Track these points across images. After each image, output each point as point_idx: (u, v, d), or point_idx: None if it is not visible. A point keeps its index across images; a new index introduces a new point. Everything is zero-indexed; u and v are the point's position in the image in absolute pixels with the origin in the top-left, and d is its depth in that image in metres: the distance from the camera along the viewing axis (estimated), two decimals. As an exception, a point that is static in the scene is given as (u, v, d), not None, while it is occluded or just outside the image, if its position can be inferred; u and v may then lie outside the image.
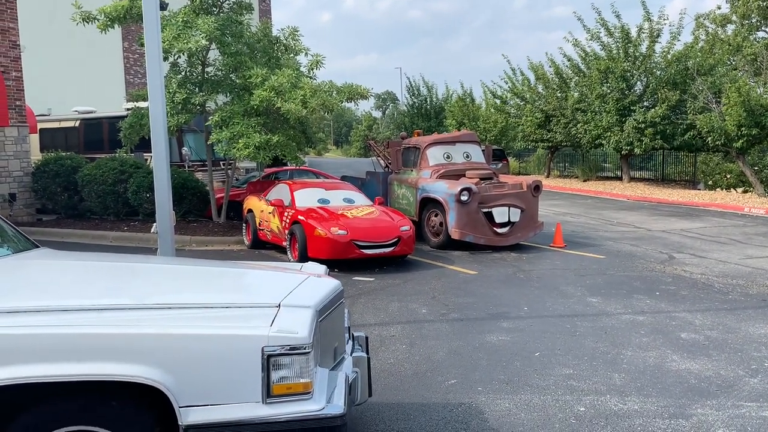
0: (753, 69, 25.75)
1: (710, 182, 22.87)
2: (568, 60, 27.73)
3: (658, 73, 23.87)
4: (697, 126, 20.72)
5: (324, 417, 2.84)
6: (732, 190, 21.42)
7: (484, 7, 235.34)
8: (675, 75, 23.07)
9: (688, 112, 21.73)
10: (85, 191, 13.82)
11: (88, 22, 12.03)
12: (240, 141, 11.12)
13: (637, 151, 23.91)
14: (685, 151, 25.26)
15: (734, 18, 32.24)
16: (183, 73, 12.48)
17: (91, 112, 17.52)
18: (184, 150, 15.33)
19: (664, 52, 24.00)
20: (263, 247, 11.40)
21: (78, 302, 3.03)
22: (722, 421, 4.38)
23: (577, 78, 27.38)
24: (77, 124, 17.38)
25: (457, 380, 5.17)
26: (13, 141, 14.01)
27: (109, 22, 11.96)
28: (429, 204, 11.75)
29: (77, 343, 2.72)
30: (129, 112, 13.41)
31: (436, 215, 11.56)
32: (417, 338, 6.31)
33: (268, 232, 11.02)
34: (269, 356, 2.78)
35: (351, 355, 3.75)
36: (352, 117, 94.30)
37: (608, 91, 24.41)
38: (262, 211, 11.28)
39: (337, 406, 2.94)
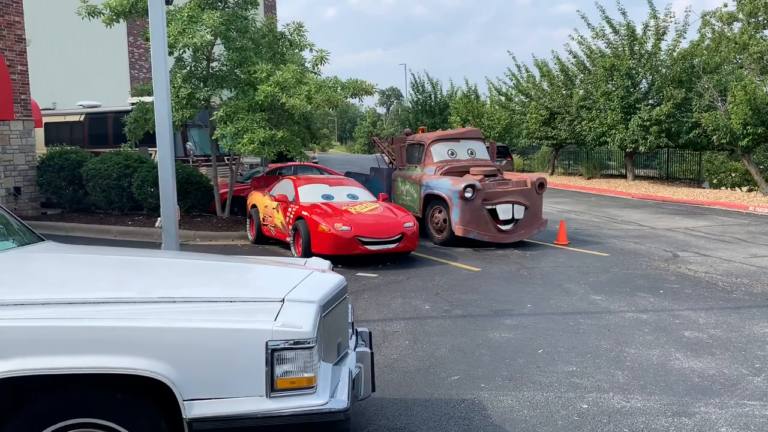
0: (759, 67, 25.59)
1: (715, 181, 22.81)
2: (574, 57, 27.68)
3: (664, 70, 23.80)
4: (703, 124, 20.65)
5: (327, 411, 2.84)
6: (737, 188, 21.36)
7: (489, 3, 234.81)
8: (680, 73, 23.00)
9: (694, 110, 21.66)
10: (90, 185, 13.85)
11: (93, 17, 12.05)
12: (244, 136, 11.13)
13: (641, 149, 23.85)
14: (690, 149, 25.19)
15: (741, 16, 32.02)
16: (188, 68, 12.50)
17: (96, 107, 17.54)
18: (189, 145, 15.35)
19: (669, 49, 23.92)
20: (267, 242, 11.41)
21: (83, 295, 3.05)
22: (725, 419, 4.38)
23: (582, 75, 27.32)
24: (82, 119, 17.40)
25: (460, 376, 5.18)
26: (18, 135, 14.05)
27: (114, 17, 11.98)
28: (433, 200, 11.75)
29: (82, 336, 2.73)
30: (134, 106, 13.43)
31: (439, 212, 11.55)
32: (420, 334, 6.32)
33: (272, 228, 11.03)
34: (273, 350, 2.78)
35: (354, 350, 3.75)
36: (356, 113, 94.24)
37: (613, 88, 24.34)
38: (266, 206, 11.29)
39: (341, 400, 2.94)
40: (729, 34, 29.80)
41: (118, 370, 2.70)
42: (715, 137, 20.25)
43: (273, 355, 2.78)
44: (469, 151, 12.62)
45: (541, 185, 11.81)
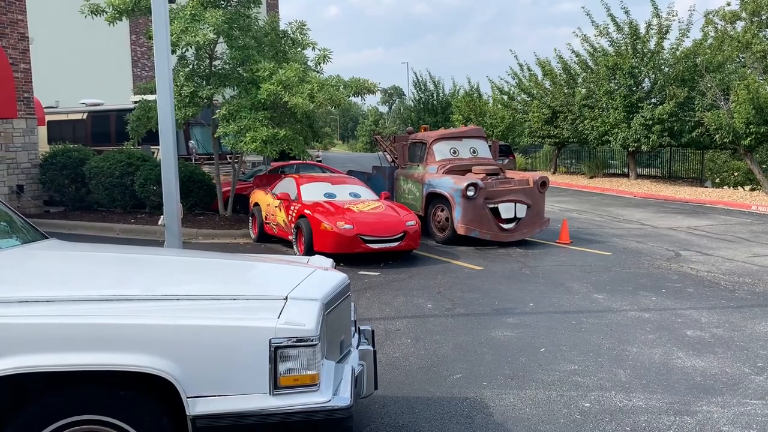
0: (762, 66, 25.56)
1: (718, 180, 22.79)
2: (576, 56, 27.67)
3: (667, 69, 23.77)
4: (705, 123, 20.63)
5: (330, 409, 2.85)
6: (739, 187, 21.33)
7: (490, 2, 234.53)
8: (683, 72, 22.97)
9: (696, 109, 21.63)
10: (93, 183, 13.88)
11: (96, 15, 12.06)
12: (247, 135, 11.14)
13: (644, 148, 23.83)
14: (693, 148, 25.17)
15: (744, 15, 31.98)
16: (190, 67, 12.51)
17: (99, 105, 17.57)
18: (191, 143, 15.37)
19: (672, 48, 23.89)
20: (269, 240, 11.43)
21: (87, 293, 3.06)
22: (727, 418, 4.38)
23: (584, 74, 27.30)
24: (85, 117, 17.43)
25: (462, 375, 5.18)
26: (21, 133, 14.07)
27: (117, 15, 11.98)
28: (435, 199, 11.75)
29: (85, 333, 2.74)
30: (136, 104, 13.45)
31: (442, 210, 11.56)
32: (422, 333, 6.33)
33: (275, 226, 11.05)
34: (276, 348, 2.79)
35: (357, 348, 3.76)
36: (358, 112, 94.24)
37: (616, 87, 24.32)
38: (268, 204, 11.30)
39: (344, 398, 2.95)
40: (732, 33, 29.73)
41: (121, 368, 2.71)
42: (717, 136, 20.22)
43: (276, 353, 2.79)
44: (472, 150, 12.62)
45: (544, 184, 11.81)
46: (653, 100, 23.92)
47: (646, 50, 24.01)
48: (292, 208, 10.44)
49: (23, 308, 2.80)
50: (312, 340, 2.84)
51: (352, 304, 4.06)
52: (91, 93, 18.59)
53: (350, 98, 12.45)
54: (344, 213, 9.84)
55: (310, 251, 9.36)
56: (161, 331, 2.78)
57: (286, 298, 3.09)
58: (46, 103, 17.27)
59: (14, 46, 13.84)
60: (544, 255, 10.57)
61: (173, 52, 11.37)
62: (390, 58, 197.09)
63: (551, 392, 4.83)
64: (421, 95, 41.17)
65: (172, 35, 10.70)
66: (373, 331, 4.20)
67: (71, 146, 14.94)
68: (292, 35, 12.83)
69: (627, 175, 26.92)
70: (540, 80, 30.18)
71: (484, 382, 5.01)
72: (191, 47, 11.74)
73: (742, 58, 28.38)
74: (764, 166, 20.79)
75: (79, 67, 21.39)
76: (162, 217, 6.99)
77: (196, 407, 2.73)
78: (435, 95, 40.56)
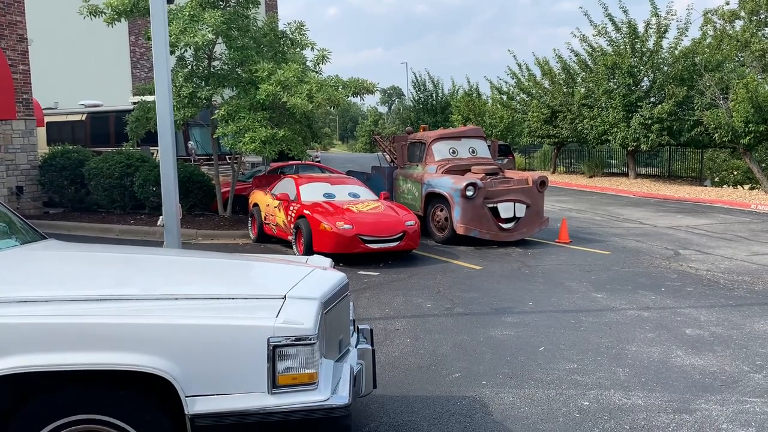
0: (761, 65, 25.56)
1: (717, 179, 22.80)
2: (575, 55, 27.69)
3: (666, 68, 23.79)
4: (704, 122, 20.64)
5: (329, 407, 2.85)
6: (739, 186, 21.34)
7: (490, 2, 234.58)
8: (682, 71, 22.99)
9: (695, 108, 21.65)
10: (92, 184, 13.88)
11: (95, 16, 12.06)
12: (246, 135, 11.15)
13: (643, 147, 23.84)
14: (692, 147, 25.18)
15: (742, 14, 31.99)
16: (189, 67, 12.51)
17: (98, 106, 17.57)
18: (191, 144, 15.38)
19: (671, 47, 23.91)
20: (269, 241, 11.43)
21: (86, 292, 3.06)
22: (726, 416, 4.38)
23: (583, 73, 27.31)
24: (84, 118, 17.43)
25: (461, 374, 5.19)
26: (20, 134, 14.07)
27: (115, 16, 11.98)
28: (434, 199, 11.76)
29: (84, 333, 2.74)
30: (135, 105, 13.45)
31: (441, 210, 11.56)
32: (421, 332, 6.33)
33: (274, 226, 11.05)
34: (275, 347, 2.80)
35: (356, 347, 3.77)
36: (357, 112, 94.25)
37: (615, 86, 24.34)
38: (267, 205, 11.31)
39: (342, 396, 2.96)
40: (731, 32, 29.75)
41: (120, 367, 2.71)
42: (716, 135, 20.23)
43: (275, 352, 2.80)
44: (471, 150, 12.63)
45: (543, 183, 11.82)
46: (652, 100, 23.94)
47: (644, 49, 24.03)
48: (291, 208, 10.44)
49: (22, 308, 2.81)
50: (310, 339, 2.85)
51: (351, 304, 4.07)
52: (90, 94, 18.59)
53: (349, 98, 12.46)
54: (343, 213, 9.84)
55: (309, 251, 9.37)
56: (160, 331, 2.78)
57: (285, 297, 3.09)
58: (45, 104, 17.27)
59: (13, 47, 13.84)
60: (544, 254, 10.57)
61: (172, 52, 11.38)
62: (389, 58, 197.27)
63: (550, 391, 4.83)
64: (420, 95, 41.16)
65: (170, 36, 10.71)
66: (371, 331, 4.21)
67: (70, 147, 14.94)
68: (290, 36, 12.83)
69: (626, 175, 26.94)
70: (539, 80, 30.20)
71: (483, 381, 5.02)
72: (190, 48, 11.75)
73: (741, 57, 28.39)
74: (763, 164, 20.79)
75: (78, 69, 21.38)
76: (161, 217, 7.00)
77: (194, 406, 2.73)
78: (434, 95, 40.55)
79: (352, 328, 3.94)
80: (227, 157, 14.44)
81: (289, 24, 12.93)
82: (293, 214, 10.28)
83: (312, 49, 12.61)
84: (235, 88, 12.41)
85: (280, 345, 2.80)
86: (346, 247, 9.44)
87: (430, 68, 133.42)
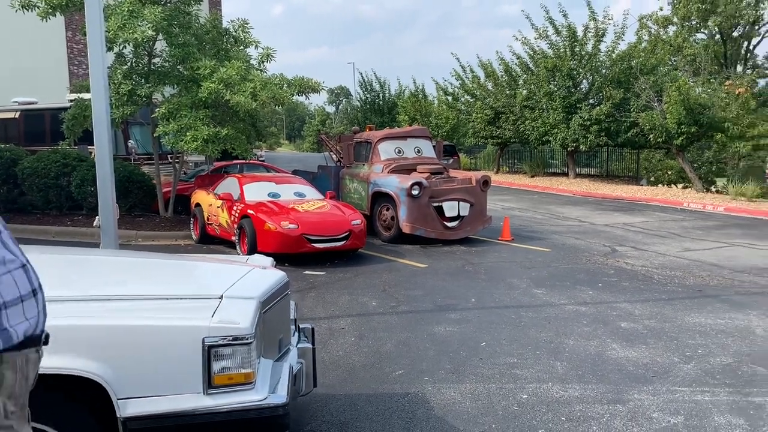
0: (692, 69, 26.70)
1: (652, 178, 23.65)
2: (517, 58, 28.22)
3: (603, 71, 24.52)
4: (640, 124, 21.38)
5: (266, 407, 2.83)
6: (673, 185, 22.19)
7: (435, 4, 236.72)
8: (619, 74, 23.74)
9: (632, 110, 22.39)
10: (26, 185, 13.35)
11: (28, 10, 11.60)
12: (188, 134, 10.93)
13: (582, 147, 24.53)
14: (629, 148, 26.06)
15: (675, 20, 33.36)
16: (129, 64, 12.17)
17: (33, 103, 16.91)
18: (131, 143, 14.97)
19: (609, 51, 24.65)
20: (212, 242, 11.24)
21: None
22: (657, 405, 4.56)
23: (525, 76, 27.88)
24: (17, 116, 16.76)
25: (404, 371, 5.23)
26: (-53, 132, 13.41)
27: (50, 10, 11.54)
28: (381, 198, 11.80)
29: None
30: (72, 103, 13.01)
31: (387, 209, 11.61)
32: (366, 330, 6.35)
33: (217, 227, 10.87)
34: (210, 347, 2.76)
35: (296, 346, 3.75)
36: (305, 112, 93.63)
37: (555, 88, 24.94)
38: (210, 205, 11.12)
39: (280, 396, 2.94)
40: (664, 37, 30.89)
41: (48, 371, 2.62)
42: (651, 136, 20.99)
43: (210, 352, 2.76)
44: (416, 150, 12.73)
45: (486, 183, 12.01)
46: (591, 101, 24.65)
47: (583, 53, 24.71)
48: (234, 208, 10.30)
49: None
50: (247, 339, 2.82)
51: (292, 303, 4.05)
52: (24, 91, 17.85)
53: (294, 97, 12.36)
54: (289, 213, 9.77)
55: (253, 252, 9.24)
56: (90, 332, 2.71)
57: (222, 297, 3.06)
58: (-25, 101, 16.53)
59: (-62, 41, 13.18)
60: (487, 252, 10.75)
61: (110, 49, 11.05)
62: (336, 56, 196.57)
63: (491, 385, 4.92)
64: (368, 95, 41.17)
65: (109, 32, 10.41)
66: (313, 329, 4.19)
67: (2, 146, 14.32)
68: (234, 33, 12.65)
69: (566, 174, 27.65)
70: (482, 82, 30.67)
71: (425, 377, 5.07)
72: (129, 44, 11.45)
73: (674, 61, 29.57)
74: (695, 164, 21.68)
75: (12, 65, 20.52)
76: (97, 218, 6.80)
77: (127, 409, 2.67)
78: (381, 95, 40.61)
79: (293, 327, 3.92)
80: (169, 156, 14.12)
81: (232, 21, 12.76)
82: (237, 214, 10.15)
83: (256, 47, 12.48)
84: (176, 86, 12.15)
85: (216, 345, 2.77)
86: (291, 247, 9.37)
87: (378, 68, 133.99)
